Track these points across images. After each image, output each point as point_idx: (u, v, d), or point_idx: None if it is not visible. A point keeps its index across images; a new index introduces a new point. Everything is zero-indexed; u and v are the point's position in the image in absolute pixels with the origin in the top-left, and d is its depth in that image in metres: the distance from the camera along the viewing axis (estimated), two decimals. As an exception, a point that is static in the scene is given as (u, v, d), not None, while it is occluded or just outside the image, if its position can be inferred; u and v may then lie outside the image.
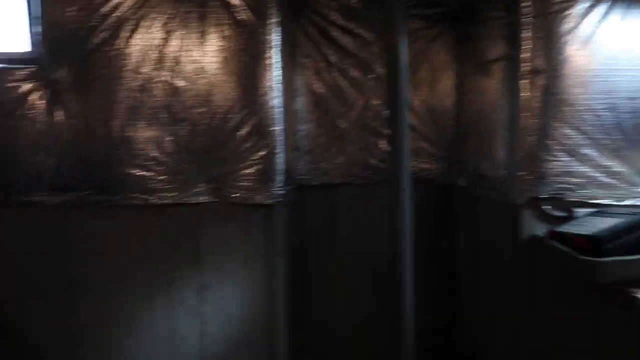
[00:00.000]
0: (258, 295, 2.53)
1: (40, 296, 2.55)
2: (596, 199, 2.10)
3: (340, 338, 3.11)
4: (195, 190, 2.44)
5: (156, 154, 2.40)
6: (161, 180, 2.42)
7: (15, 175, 2.47)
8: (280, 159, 2.43)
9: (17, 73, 2.33)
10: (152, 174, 2.42)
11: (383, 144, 2.81)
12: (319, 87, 2.82)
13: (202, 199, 2.45)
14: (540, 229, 2.17)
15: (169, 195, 2.43)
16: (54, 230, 2.53)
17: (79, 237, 2.53)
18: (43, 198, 2.48)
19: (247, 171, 2.41)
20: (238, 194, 2.43)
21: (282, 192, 2.44)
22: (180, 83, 2.34)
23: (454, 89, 2.78)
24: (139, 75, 2.33)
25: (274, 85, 2.33)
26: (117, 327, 2.55)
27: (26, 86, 2.34)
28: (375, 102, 2.80)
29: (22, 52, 2.38)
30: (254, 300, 2.52)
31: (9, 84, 2.33)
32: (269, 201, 2.43)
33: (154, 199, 2.43)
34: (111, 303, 2.55)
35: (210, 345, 2.56)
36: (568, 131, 2.08)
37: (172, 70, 2.33)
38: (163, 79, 2.33)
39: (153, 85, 2.34)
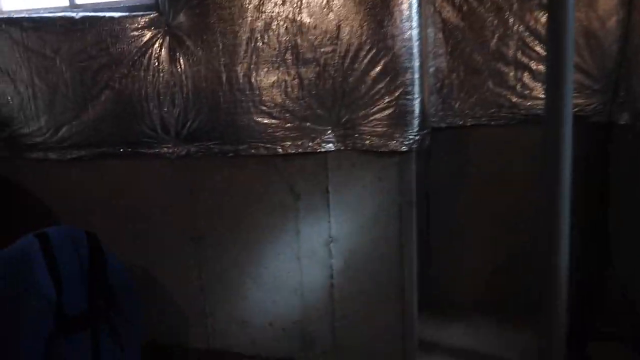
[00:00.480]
0: (388, 250, 2.36)
1: (166, 250, 2.59)
2: None
3: (469, 289, 2.93)
4: (323, 138, 2.27)
5: (281, 100, 2.24)
6: (287, 127, 2.28)
7: (140, 127, 2.44)
8: (416, 100, 2.16)
9: (138, 21, 2.23)
10: (277, 121, 2.27)
11: (527, 78, 2.45)
12: (451, 15, 2.48)
13: (330, 147, 2.28)
14: None
15: (295, 143, 2.29)
16: (179, 181, 2.51)
17: (203, 188, 2.50)
18: (168, 150, 2.44)
19: (379, 115, 2.18)
20: (369, 141, 2.22)
21: (417, 137, 2.20)
22: (306, 19, 2.12)
23: (619, 5, 2.31)
24: (262, 14, 2.14)
25: (412, 14, 2.04)
26: (244, 279, 2.53)
27: (148, 34, 2.24)
28: (519, 27, 2.41)
29: (142, -1, 2.27)
30: (384, 255, 2.37)
31: (132, 33, 2.24)
32: (404, 148, 2.20)
33: (279, 148, 2.30)
34: (238, 254, 2.53)
35: (339, 300, 2.48)
36: None
37: (297, 6, 2.10)
38: (287, 15, 2.12)
39: (277, 23, 2.14)
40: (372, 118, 2.20)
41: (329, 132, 2.26)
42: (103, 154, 2.55)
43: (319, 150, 2.29)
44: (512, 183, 2.71)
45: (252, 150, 2.33)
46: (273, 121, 2.28)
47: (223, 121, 2.32)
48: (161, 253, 2.62)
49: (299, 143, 2.29)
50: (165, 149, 2.44)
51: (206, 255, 2.57)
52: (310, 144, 2.28)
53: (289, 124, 2.27)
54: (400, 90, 2.14)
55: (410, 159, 2.26)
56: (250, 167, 2.39)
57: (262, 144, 2.31)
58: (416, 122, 2.19)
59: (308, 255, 2.46)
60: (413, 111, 2.18)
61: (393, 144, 2.20)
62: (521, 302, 2.96)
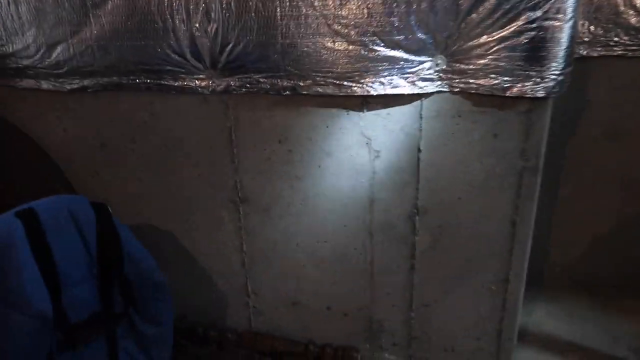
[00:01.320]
0: (495, 230, 1.77)
1: (200, 215, 2.02)
2: None
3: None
4: (419, 74, 1.59)
5: (365, 16, 1.55)
6: (370, 57, 1.60)
7: (162, 51, 1.78)
8: (568, 22, 1.46)
9: None
10: (356, 47, 1.60)
11: None
12: None
13: (429, 87, 1.61)
14: None
15: (378, 80, 1.62)
16: (216, 126, 1.88)
17: (247, 136, 1.88)
18: (201, 83, 1.80)
19: (510, 42, 1.49)
20: (488, 80, 1.55)
21: (561, 76, 1.51)
22: None
23: None
24: None
25: None
26: (296, 253, 1.98)
27: None
28: None
29: None
30: (487, 236, 1.77)
31: None
32: (540, 93, 1.53)
33: (356, 86, 1.64)
34: (289, 224, 1.96)
35: (420, 286, 1.92)
36: None
37: None
38: None
39: None
40: (497, 47, 1.51)
41: (430, 65, 1.58)
42: (112, 86, 1.91)
43: (412, 92, 1.62)
44: None
45: (318, 88, 1.67)
46: (350, 47, 1.60)
47: (279, 45, 1.64)
48: (194, 218, 2.06)
49: (385, 80, 1.62)
50: (197, 82, 1.79)
51: (250, 223, 2.00)
52: (401, 81, 1.61)
53: (372, 53, 1.59)
54: (548, 5, 1.43)
55: (546, 109, 1.59)
56: (314, 111, 1.75)
57: (333, 80, 1.65)
58: (562, 54, 1.50)
59: (383, 230, 1.88)
60: (560, 38, 1.48)
61: (525, 87, 1.53)
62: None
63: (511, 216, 1.75)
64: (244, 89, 1.75)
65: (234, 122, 1.83)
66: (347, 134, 1.76)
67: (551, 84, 1.52)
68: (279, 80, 1.70)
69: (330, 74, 1.64)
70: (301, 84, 1.68)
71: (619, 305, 2.50)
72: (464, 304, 1.93)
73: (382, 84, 1.63)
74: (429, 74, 1.60)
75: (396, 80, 1.62)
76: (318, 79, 1.66)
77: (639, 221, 2.42)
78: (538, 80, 1.51)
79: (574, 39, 1.51)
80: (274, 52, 1.66)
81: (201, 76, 1.77)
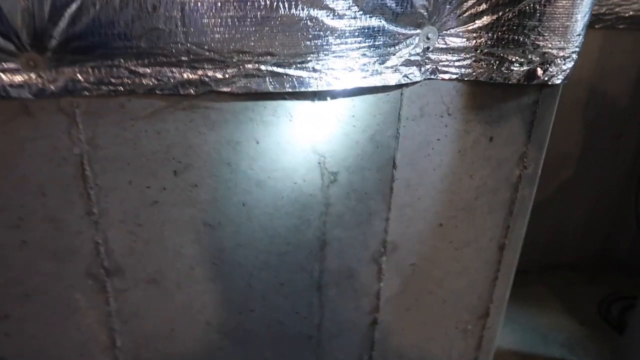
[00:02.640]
0: (485, 255, 1.37)
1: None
2: None
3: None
4: (401, 56, 1.06)
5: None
6: (336, 29, 0.99)
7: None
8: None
9: None
10: (313, 15, 0.97)
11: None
12: None
13: (414, 74, 1.09)
14: None
15: (348, 67, 1.03)
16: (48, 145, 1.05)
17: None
18: (22, 74, 0.95)
19: (517, 9, 1.05)
20: (486, 64, 1.10)
21: (573, 58, 1.14)
22: None
23: None
24: None
25: None
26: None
27: None
28: None
29: None
30: (476, 266, 1.37)
31: None
32: (556, 79, 1.14)
33: (311, 79, 1.02)
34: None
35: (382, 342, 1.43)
36: None
37: None
38: None
39: None
40: (506, 14, 1.06)
41: (418, 40, 1.05)
42: None
43: (391, 82, 1.08)
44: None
45: (247, 82, 1.00)
46: (303, 13, 0.96)
47: (175, 7, 0.91)
48: (28, 307, 1.17)
49: (356, 64, 1.04)
50: (6, 77, 0.93)
51: (127, 304, 1.21)
52: (377, 65, 1.05)
53: (339, 22, 0.98)
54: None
55: (554, 99, 1.21)
56: (235, 119, 1.06)
57: (272, 67, 0.99)
58: (579, 28, 1.12)
59: (338, 280, 1.31)
60: (579, 9, 1.09)
61: (542, 71, 1.11)
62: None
63: (499, 240, 1.36)
64: (102, 87, 0.96)
65: (88, 146, 1.02)
66: (289, 151, 1.12)
67: (570, 65, 1.13)
68: (174, 71, 0.97)
69: (268, 58, 0.98)
70: (218, 75, 0.98)
71: (523, 293, 2.39)
72: (432, 353, 1.51)
73: (350, 70, 1.04)
74: (416, 54, 1.07)
75: (371, 64, 1.05)
76: (248, 66, 0.98)
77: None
78: (558, 61, 1.11)
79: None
80: (166, 21, 0.92)
81: (12, 66, 0.91)
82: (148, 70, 0.96)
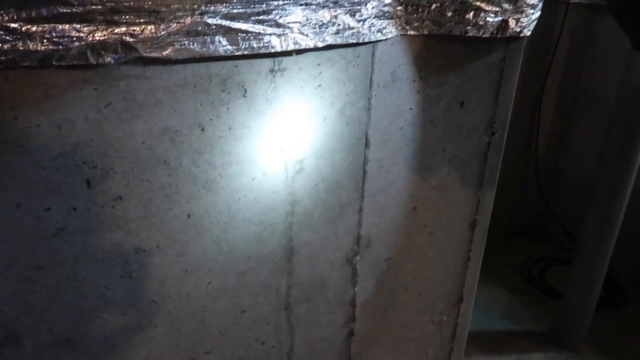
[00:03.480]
0: (458, 236, 1.24)
1: None
2: None
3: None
4: (379, 7, 0.86)
5: None
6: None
7: None
8: None
9: None
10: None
11: None
12: None
13: (389, 30, 0.90)
14: None
15: (319, 19, 0.81)
16: None
17: None
18: None
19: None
20: (455, 16, 0.96)
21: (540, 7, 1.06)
22: None
23: None
24: None
25: None
26: None
27: None
28: None
29: None
30: (449, 249, 1.23)
31: None
32: (523, 28, 1.03)
33: (273, 35, 0.78)
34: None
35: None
36: None
37: None
38: None
39: None
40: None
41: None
42: None
43: (364, 39, 0.87)
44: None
45: (185, 42, 0.72)
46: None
47: None
48: None
49: (325, 16, 0.81)
50: None
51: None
52: (348, 18, 0.84)
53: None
54: None
55: (518, 57, 1.11)
56: (169, 99, 0.77)
57: (221, 21, 0.73)
58: (541, -26, 1.03)
59: (309, 294, 1.07)
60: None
61: (513, 21, 1.00)
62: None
63: (470, 217, 1.24)
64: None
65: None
66: (244, 138, 0.86)
67: (537, 15, 1.04)
68: (80, 28, 0.65)
69: (218, 7, 0.71)
70: (146, 33, 0.68)
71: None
72: (409, 355, 1.34)
73: (321, 26, 0.81)
74: (389, 4, 0.88)
75: (341, 17, 0.83)
76: (189, 19, 0.70)
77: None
78: (529, 10, 1.01)
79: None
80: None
81: None
82: (36, 29, 0.63)
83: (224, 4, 0.71)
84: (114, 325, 0.87)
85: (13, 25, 0.61)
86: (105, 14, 0.65)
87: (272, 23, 0.76)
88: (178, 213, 0.85)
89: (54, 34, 0.63)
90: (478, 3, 0.95)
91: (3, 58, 0.62)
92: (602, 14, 2.17)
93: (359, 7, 0.84)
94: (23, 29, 0.62)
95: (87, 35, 0.65)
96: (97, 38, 0.66)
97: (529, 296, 2.29)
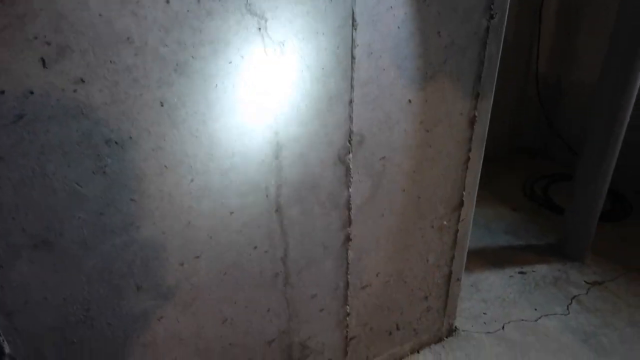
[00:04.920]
0: (457, 134, 1.17)
1: None
2: None
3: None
4: None
5: None
6: None
7: None
8: None
9: None
10: None
11: None
12: None
13: None
14: None
15: None
16: None
17: None
18: None
19: None
20: None
21: None
22: None
23: None
24: None
25: None
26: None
27: None
28: None
29: None
30: (450, 147, 1.16)
31: None
32: None
33: None
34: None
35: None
36: None
37: None
38: None
39: None
40: None
41: None
42: None
43: None
44: None
45: None
46: None
47: None
48: None
49: None
50: None
51: None
52: None
53: None
54: None
55: None
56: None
57: None
58: None
59: (301, 194, 1.02)
60: None
61: None
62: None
63: (469, 112, 1.17)
64: None
65: None
66: (213, 13, 0.77)
67: None
68: None
69: None
70: None
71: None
72: (410, 263, 1.31)
73: None
74: None
75: None
76: None
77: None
78: None
79: None
80: None
81: None
82: None
83: None
84: (91, 226, 0.82)
85: None
86: None
87: None
88: (149, 100, 0.78)
89: None
90: None
91: None
92: None
93: None
94: None
95: None
96: None
97: (532, 213, 2.25)
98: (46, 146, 0.73)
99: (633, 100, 1.69)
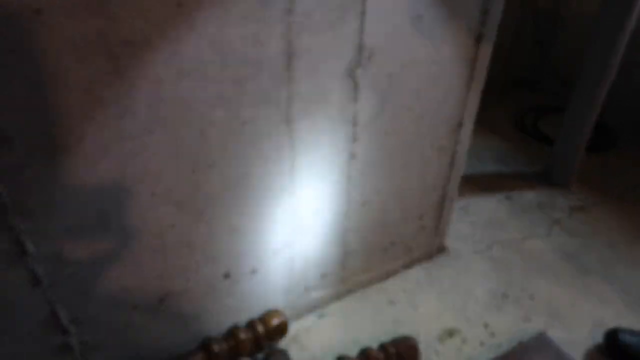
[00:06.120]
0: (458, 68, 1.17)
1: None
2: None
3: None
4: None
5: None
6: None
7: None
8: None
9: None
10: None
11: None
12: None
13: None
14: None
15: None
16: None
17: None
18: None
19: None
20: None
21: None
22: None
23: None
24: None
25: None
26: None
27: None
28: None
29: None
30: (450, 75, 1.17)
31: None
32: None
33: None
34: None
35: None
36: None
37: None
38: None
39: None
40: None
41: None
42: None
43: None
44: None
45: None
46: None
47: None
48: None
49: None
50: None
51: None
52: None
53: None
54: None
55: None
56: None
57: None
58: None
59: (309, 110, 1.03)
60: None
61: None
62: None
63: (476, 29, 1.17)
64: None
65: None
66: None
67: None
68: None
69: None
70: None
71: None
72: (408, 182, 1.35)
73: None
74: None
75: None
76: None
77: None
78: None
79: None
80: None
81: None
82: None
83: None
84: (108, 130, 0.82)
85: None
86: None
87: None
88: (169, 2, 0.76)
89: None
90: None
91: None
92: None
93: None
94: None
95: None
96: None
97: (522, 143, 2.31)
98: (62, 43, 0.72)
99: (628, 35, 1.70)
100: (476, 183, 2.00)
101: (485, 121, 2.41)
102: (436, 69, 1.17)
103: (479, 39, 1.18)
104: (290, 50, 0.93)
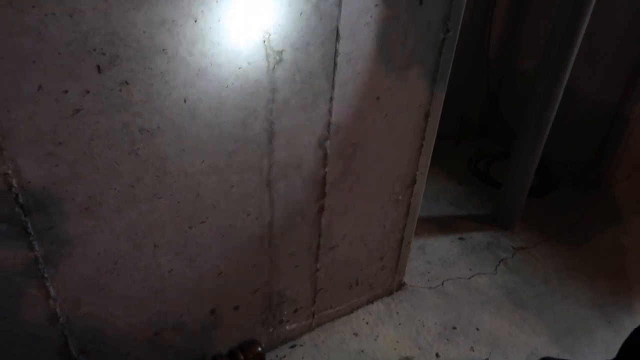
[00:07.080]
0: (413, 124, 1.41)
1: None
2: None
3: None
4: None
5: None
6: None
7: None
8: None
9: None
10: None
11: None
12: None
13: None
14: None
15: None
16: None
17: None
18: None
19: None
20: None
21: None
22: None
23: None
24: None
25: None
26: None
27: None
28: None
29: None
30: (406, 136, 1.41)
31: None
32: None
33: None
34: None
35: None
36: None
37: None
38: None
39: None
40: None
41: None
42: None
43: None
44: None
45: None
46: None
47: None
48: None
49: None
50: None
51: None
52: None
53: None
54: None
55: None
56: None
57: None
58: None
59: (286, 173, 1.24)
60: None
61: None
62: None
63: (425, 107, 1.42)
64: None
65: (-28, 41, 0.74)
66: (231, 29, 0.96)
67: None
68: None
69: None
70: None
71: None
72: (370, 229, 1.57)
73: None
74: None
75: None
76: None
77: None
78: None
79: None
80: None
81: None
82: None
83: None
84: (123, 196, 1.01)
85: None
86: None
87: None
88: (176, 98, 0.97)
89: None
90: None
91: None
92: None
93: None
94: None
95: None
96: None
97: (475, 187, 2.58)
98: (95, 133, 0.92)
99: (562, 89, 1.96)
100: (433, 224, 2.24)
101: (443, 164, 2.68)
102: (392, 138, 1.40)
103: (427, 114, 1.43)
104: (272, 129, 1.15)
